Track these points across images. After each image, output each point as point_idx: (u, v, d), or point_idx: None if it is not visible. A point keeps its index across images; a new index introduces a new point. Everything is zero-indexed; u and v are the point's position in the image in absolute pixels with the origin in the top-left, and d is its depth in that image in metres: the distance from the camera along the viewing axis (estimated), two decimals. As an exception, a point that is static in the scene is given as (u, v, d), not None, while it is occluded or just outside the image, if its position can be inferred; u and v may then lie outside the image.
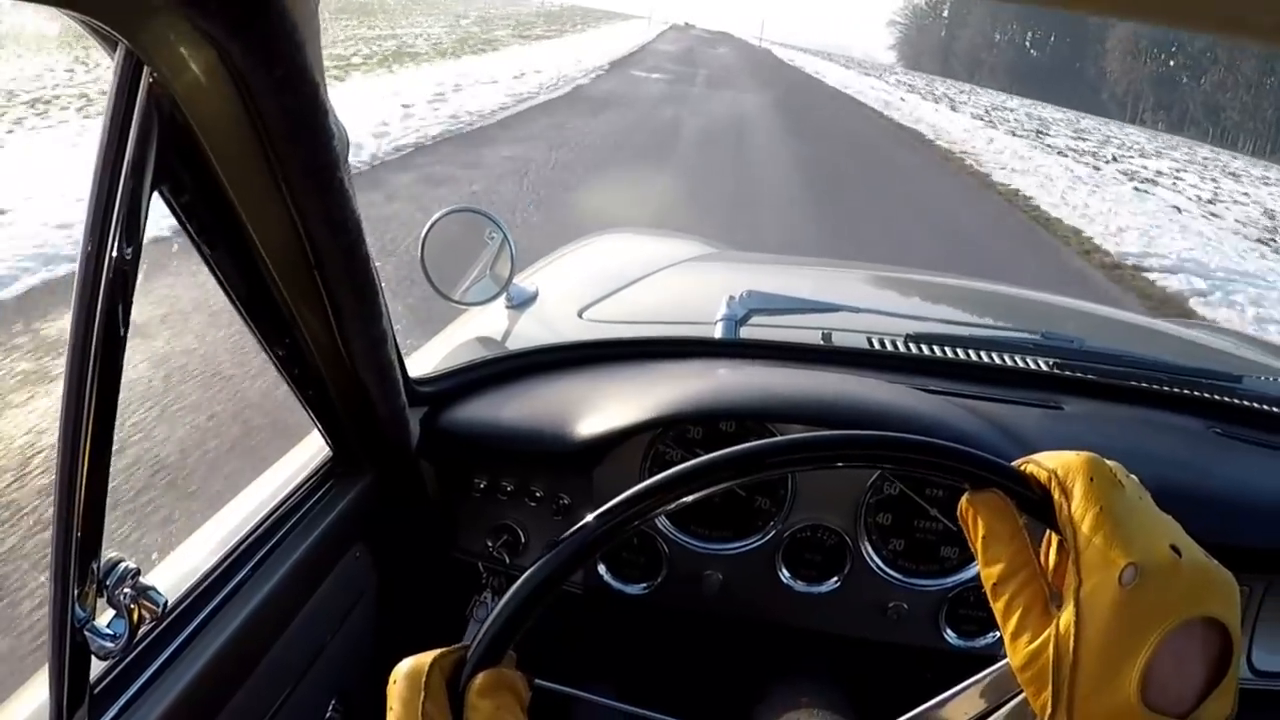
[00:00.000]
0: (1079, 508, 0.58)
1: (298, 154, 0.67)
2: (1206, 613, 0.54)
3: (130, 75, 0.59)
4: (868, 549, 1.23)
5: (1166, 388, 1.51)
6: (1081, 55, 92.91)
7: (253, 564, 0.98)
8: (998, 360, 1.50)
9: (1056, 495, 0.60)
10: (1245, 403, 1.52)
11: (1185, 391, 1.51)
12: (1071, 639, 0.55)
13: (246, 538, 1.00)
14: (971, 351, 1.51)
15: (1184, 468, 1.29)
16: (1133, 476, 0.62)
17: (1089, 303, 2.68)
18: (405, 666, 0.62)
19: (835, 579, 1.24)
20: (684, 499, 0.62)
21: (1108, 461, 0.61)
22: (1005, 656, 1.17)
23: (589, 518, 0.62)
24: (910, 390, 1.31)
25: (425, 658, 0.63)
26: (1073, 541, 0.57)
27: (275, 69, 0.61)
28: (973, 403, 1.32)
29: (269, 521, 1.04)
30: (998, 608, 0.61)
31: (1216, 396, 1.52)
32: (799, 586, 1.25)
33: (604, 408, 1.22)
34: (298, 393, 0.99)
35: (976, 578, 1.18)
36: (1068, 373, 1.49)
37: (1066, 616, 0.55)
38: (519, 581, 0.62)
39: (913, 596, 1.24)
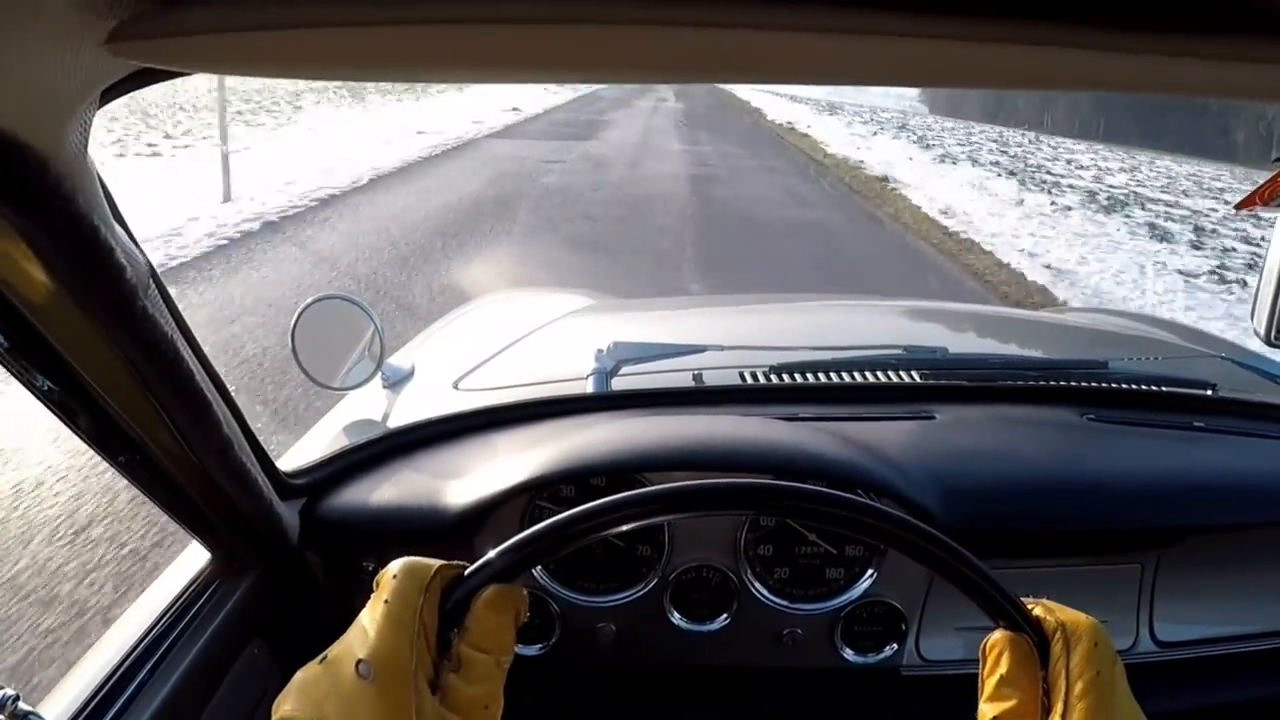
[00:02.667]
0: (1078, 665, 0.63)
1: (94, 294, 0.69)
2: None
3: None
4: (753, 582, 1.25)
5: (1035, 382, 1.56)
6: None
7: (143, 675, 0.97)
8: (865, 379, 1.55)
9: (1058, 646, 0.65)
10: (1113, 386, 1.58)
11: (1054, 383, 1.57)
12: None
13: (133, 649, 0.99)
14: (838, 374, 1.55)
15: (1058, 458, 1.34)
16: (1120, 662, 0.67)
17: (957, 304, 2.76)
18: (405, 564, 0.66)
19: (725, 615, 1.26)
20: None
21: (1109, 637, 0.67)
22: (904, 669, 1.24)
23: (604, 499, 0.69)
24: (774, 422, 1.34)
25: (428, 562, 0.66)
26: (1063, 696, 0.62)
27: (49, 224, 0.62)
28: (842, 424, 1.36)
29: (156, 630, 1.03)
30: None
31: (1085, 384, 1.58)
32: (691, 627, 1.27)
33: (477, 477, 1.24)
34: (157, 503, 0.99)
35: (865, 595, 1.24)
36: (935, 382, 1.54)
37: None
38: (539, 525, 0.69)
39: (805, 621, 1.26)
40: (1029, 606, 0.69)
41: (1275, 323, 0.88)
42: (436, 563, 0.66)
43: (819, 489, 0.75)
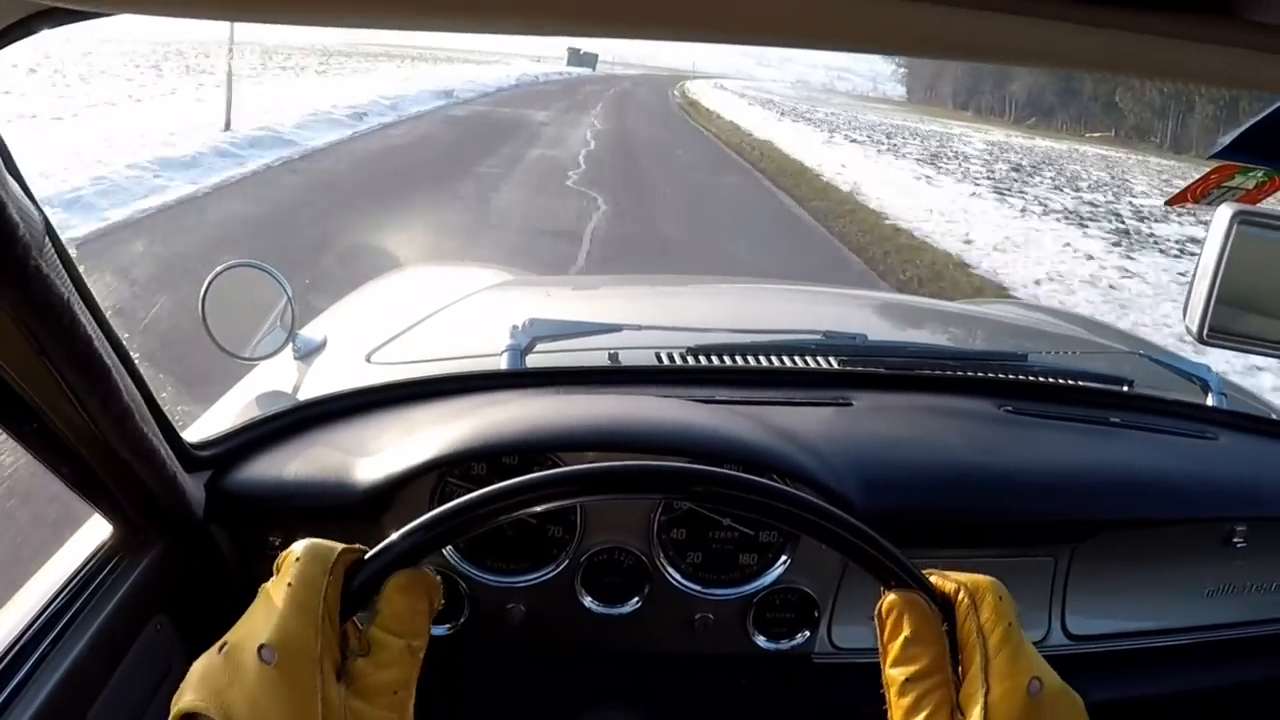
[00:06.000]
0: (989, 620, 0.64)
1: None
2: None
3: None
4: (665, 566, 1.25)
5: (954, 372, 1.57)
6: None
7: (40, 651, 0.93)
8: (783, 363, 1.54)
9: (964, 605, 0.65)
10: (1032, 378, 1.60)
11: (973, 374, 1.58)
12: None
13: (30, 625, 0.96)
14: (756, 357, 1.55)
15: (975, 450, 1.35)
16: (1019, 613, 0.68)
17: (878, 292, 2.80)
18: (309, 546, 0.64)
19: (636, 599, 1.26)
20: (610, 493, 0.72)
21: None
22: (816, 656, 1.25)
23: (512, 481, 0.68)
24: (690, 404, 1.33)
25: (329, 545, 0.65)
26: (981, 649, 0.62)
27: None
28: (759, 409, 1.35)
29: (54, 605, 0.99)
30: (902, 704, 0.65)
31: (1004, 375, 1.59)
32: (602, 609, 1.26)
33: (387, 453, 1.21)
34: (57, 474, 0.96)
35: (778, 581, 1.23)
36: (854, 368, 1.53)
37: (975, 719, 0.61)
38: (445, 505, 0.68)
39: (717, 606, 1.26)
40: (927, 573, 0.69)
41: (1206, 322, 0.92)
42: (339, 546, 0.65)
43: (720, 471, 0.74)
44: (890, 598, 0.68)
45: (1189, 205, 1.25)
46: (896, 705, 0.66)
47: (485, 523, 0.69)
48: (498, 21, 0.46)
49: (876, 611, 0.68)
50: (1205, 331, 0.86)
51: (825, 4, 0.45)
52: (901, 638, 0.66)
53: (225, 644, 0.61)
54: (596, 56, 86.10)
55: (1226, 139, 0.86)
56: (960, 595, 0.66)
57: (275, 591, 0.62)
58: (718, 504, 1.14)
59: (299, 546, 0.64)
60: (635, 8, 0.46)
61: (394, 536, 0.66)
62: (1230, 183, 1.16)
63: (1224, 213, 0.81)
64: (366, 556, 0.65)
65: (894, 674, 0.66)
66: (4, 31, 0.57)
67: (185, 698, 0.59)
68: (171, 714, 0.59)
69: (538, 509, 0.71)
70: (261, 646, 0.58)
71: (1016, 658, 0.62)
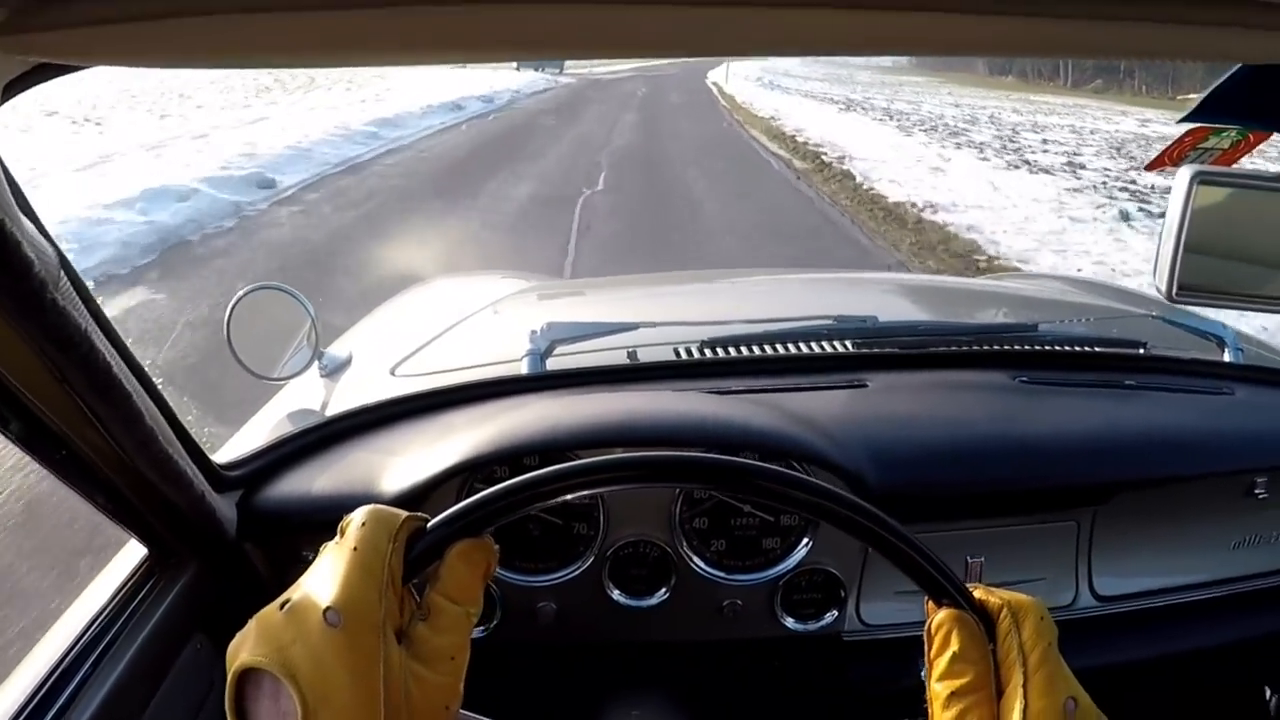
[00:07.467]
0: (1030, 637, 0.66)
1: (2, 290, 0.68)
2: None
3: None
4: (690, 555, 1.27)
5: (966, 347, 1.58)
6: None
7: (83, 673, 0.96)
8: (799, 349, 1.56)
9: (1006, 624, 0.67)
10: (1044, 347, 1.61)
11: (985, 347, 1.58)
12: None
13: (71, 648, 0.99)
14: (770, 346, 1.56)
15: (992, 421, 1.36)
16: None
17: (887, 273, 2.79)
18: (373, 511, 0.66)
19: (664, 589, 1.28)
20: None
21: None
22: (845, 635, 1.26)
23: (563, 465, 0.70)
24: (705, 396, 1.35)
25: (394, 511, 0.66)
26: (1021, 666, 0.64)
27: None
28: (775, 396, 1.37)
29: (94, 627, 1.02)
30: (945, 717, 0.66)
31: (1016, 347, 1.60)
32: (630, 602, 1.28)
33: (412, 462, 1.24)
34: (90, 501, 0.98)
35: (802, 563, 1.26)
36: (867, 350, 1.55)
37: None
38: (512, 480, 0.70)
39: (744, 592, 1.27)
40: (972, 588, 0.71)
41: (1175, 280, 0.94)
42: (403, 513, 0.66)
43: (788, 472, 0.75)
44: (940, 615, 0.70)
45: (1167, 168, 1.26)
46: (940, 718, 0.67)
47: (545, 499, 0.71)
48: (501, 52, 0.49)
49: (926, 629, 0.70)
50: (1175, 290, 0.88)
51: (824, 15, 0.48)
52: (949, 654, 0.67)
53: (288, 601, 0.61)
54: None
55: (1197, 102, 0.87)
56: (1003, 613, 0.68)
57: (340, 555, 0.63)
58: (779, 502, 1.18)
59: (362, 512, 0.65)
60: (647, 31, 0.48)
61: (458, 506, 0.68)
62: (1205, 144, 1.17)
63: (1184, 174, 0.83)
64: (429, 525, 0.67)
65: (938, 689, 0.67)
66: (8, 86, 0.58)
67: (245, 651, 0.59)
68: (230, 670, 0.60)
69: (569, 497, 0.73)
70: (327, 609, 0.59)
71: (1054, 677, 0.65)
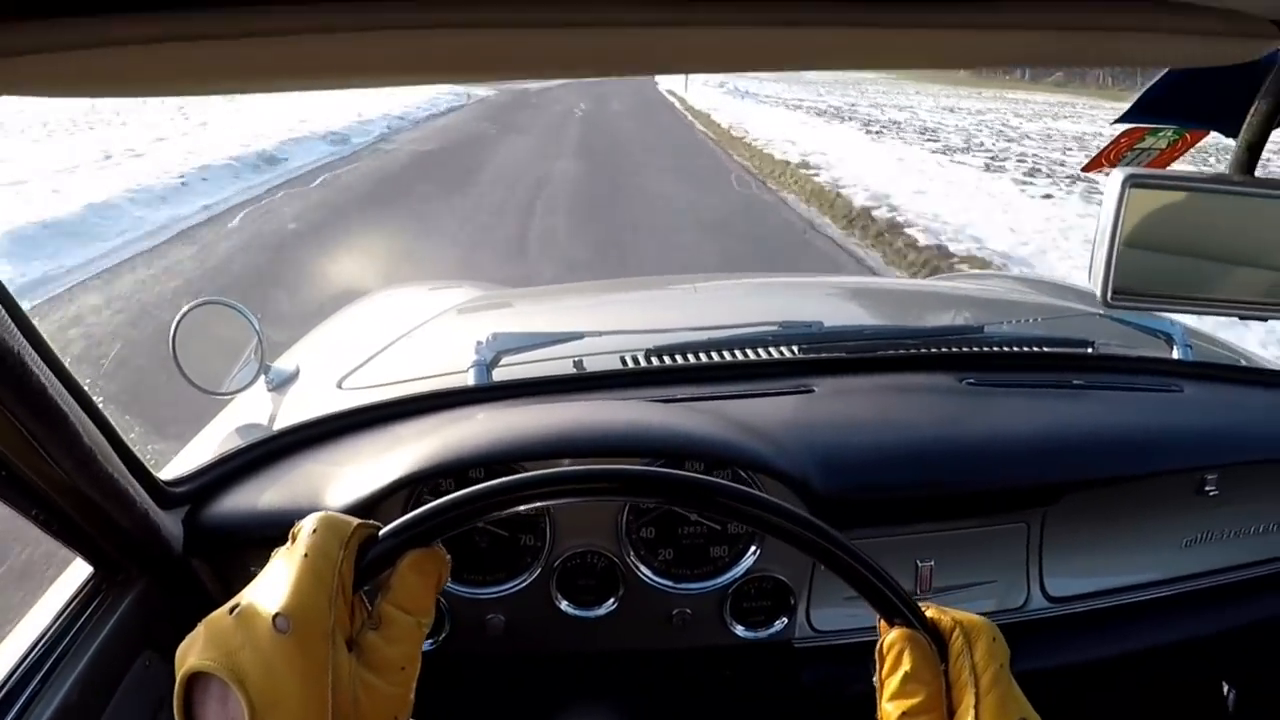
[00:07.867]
0: (983, 659, 0.66)
1: None
2: None
3: None
4: (637, 565, 1.26)
5: (913, 350, 1.58)
6: None
7: (30, 691, 0.95)
8: (744, 356, 1.56)
9: (959, 644, 0.67)
10: (991, 349, 1.61)
11: (931, 350, 1.58)
12: None
13: (17, 667, 0.97)
14: (716, 353, 1.56)
15: (938, 424, 1.36)
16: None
17: (832, 277, 2.78)
18: (325, 518, 0.64)
19: (613, 600, 1.27)
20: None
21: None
22: (796, 641, 1.23)
23: (516, 476, 0.70)
24: (648, 405, 1.34)
25: (345, 519, 0.65)
26: (974, 688, 0.64)
27: None
28: (720, 403, 1.37)
29: (40, 646, 1.01)
30: None
31: (962, 349, 1.60)
32: (579, 612, 1.27)
33: (359, 474, 1.22)
34: (33, 520, 0.97)
35: (751, 571, 1.25)
36: (813, 355, 1.54)
37: None
38: (466, 490, 0.68)
39: (693, 600, 1.27)
40: (925, 608, 0.71)
41: (1110, 284, 0.94)
42: (355, 520, 0.65)
43: (734, 486, 0.74)
44: (892, 634, 0.69)
45: (1105, 170, 1.27)
46: None
47: (500, 509, 0.70)
48: (500, 71, 0.49)
49: (877, 648, 0.70)
50: (1110, 295, 0.88)
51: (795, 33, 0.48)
52: (901, 673, 0.67)
53: (237, 606, 0.60)
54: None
55: (1130, 104, 0.88)
56: (956, 634, 0.68)
57: (290, 561, 0.62)
58: (731, 518, 1.15)
59: (314, 518, 0.64)
60: (640, 52, 0.49)
61: (412, 515, 0.67)
62: (1142, 144, 1.18)
63: (1117, 176, 0.83)
64: (381, 533, 0.66)
65: (890, 709, 0.67)
66: None
67: (194, 655, 0.59)
68: (179, 672, 0.59)
69: (562, 501, 0.72)
70: (277, 615, 0.58)
71: (1006, 698, 0.65)
